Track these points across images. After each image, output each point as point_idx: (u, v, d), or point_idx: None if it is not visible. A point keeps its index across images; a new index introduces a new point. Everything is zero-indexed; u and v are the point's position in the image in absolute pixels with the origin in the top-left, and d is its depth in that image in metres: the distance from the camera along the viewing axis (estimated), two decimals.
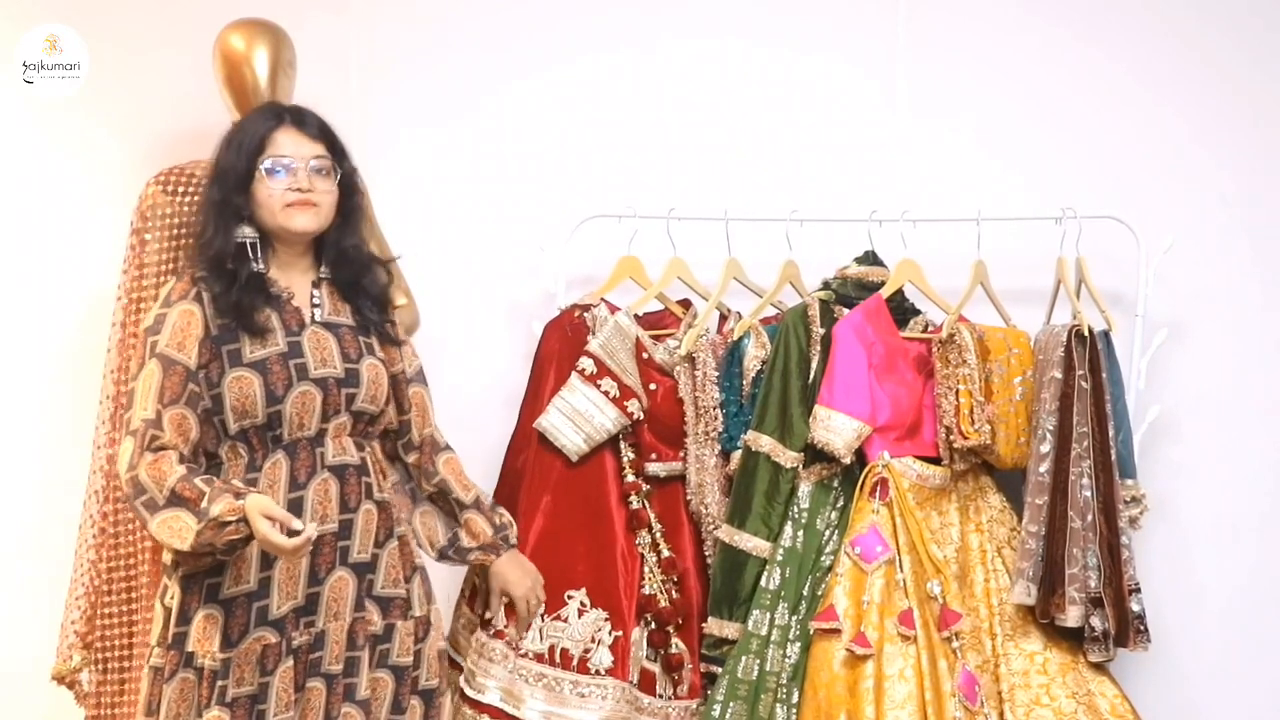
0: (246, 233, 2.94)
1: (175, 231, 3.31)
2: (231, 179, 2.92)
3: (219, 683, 2.83)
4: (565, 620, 3.29)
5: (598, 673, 3.27)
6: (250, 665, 2.85)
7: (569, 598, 3.30)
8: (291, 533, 2.70)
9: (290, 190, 2.91)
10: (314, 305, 2.99)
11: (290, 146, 2.93)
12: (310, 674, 2.89)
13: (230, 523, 2.71)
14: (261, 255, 2.96)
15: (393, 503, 3.05)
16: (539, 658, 3.27)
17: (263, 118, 2.96)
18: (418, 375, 3.14)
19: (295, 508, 2.85)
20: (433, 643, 3.07)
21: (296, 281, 3.00)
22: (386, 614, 2.98)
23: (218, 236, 2.92)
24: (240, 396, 2.87)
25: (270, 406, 2.87)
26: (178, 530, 2.74)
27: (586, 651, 3.28)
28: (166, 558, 2.92)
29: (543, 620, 3.29)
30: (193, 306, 2.90)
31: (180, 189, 3.33)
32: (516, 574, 3.23)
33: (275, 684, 2.85)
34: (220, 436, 2.90)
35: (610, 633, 3.30)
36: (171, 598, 2.90)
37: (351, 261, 3.03)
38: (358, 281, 3.03)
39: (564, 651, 3.28)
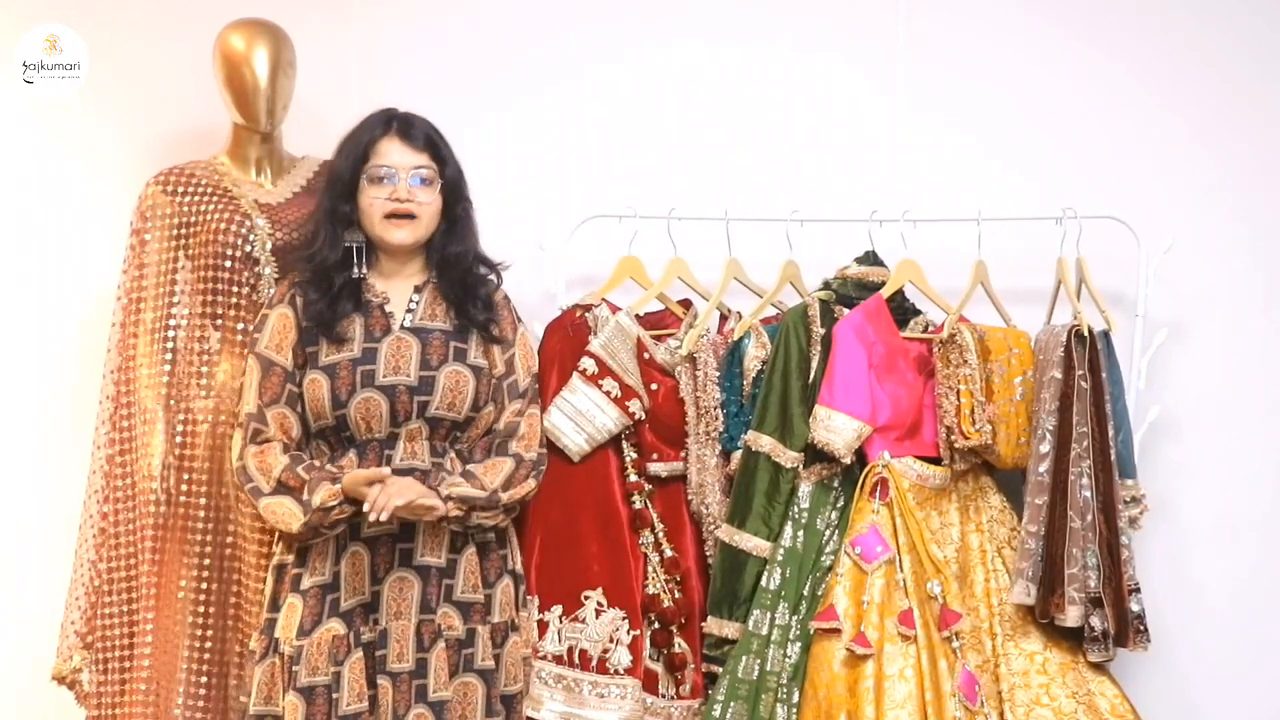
0: (354, 237, 3.05)
1: (175, 231, 3.32)
2: (338, 187, 3.04)
3: (293, 668, 2.95)
4: (583, 621, 3.29)
5: (616, 672, 3.28)
6: (323, 655, 2.95)
7: (585, 598, 3.30)
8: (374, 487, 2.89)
9: (389, 200, 3.01)
10: (408, 310, 3.06)
11: (392, 156, 3.03)
12: (379, 671, 2.96)
13: (333, 507, 2.89)
14: (366, 259, 3.06)
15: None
16: (557, 659, 3.27)
17: (369, 126, 3.06)
18: (525, 393, 3.16)
19: (357, 504, 2.94)
20: (512, 648, 3.11)
21: (398, 286, 3.10)
22: (467, 619, 3.04)
23: (324, 246, 3.04)
24: (312, 398, 3.00)
25: (336, 410, 2.99)
26: (283, 516, 2.93)
27: (605, 651, 3.29)
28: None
29: (561, 622, 3.29)
30: (287, 310, 3.06)
31: (180, 189, 3.33)
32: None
33: (346, 674, 2.94)
34: (309, 433, 3.04)
35: (629, 632, 3.30)
36: (268, 586, 3.06)
37: (455, 266, 3.10)
38: (463, 285, 3.10)
39: (583, 652, 3.28)
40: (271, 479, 2.95)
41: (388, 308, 3.07)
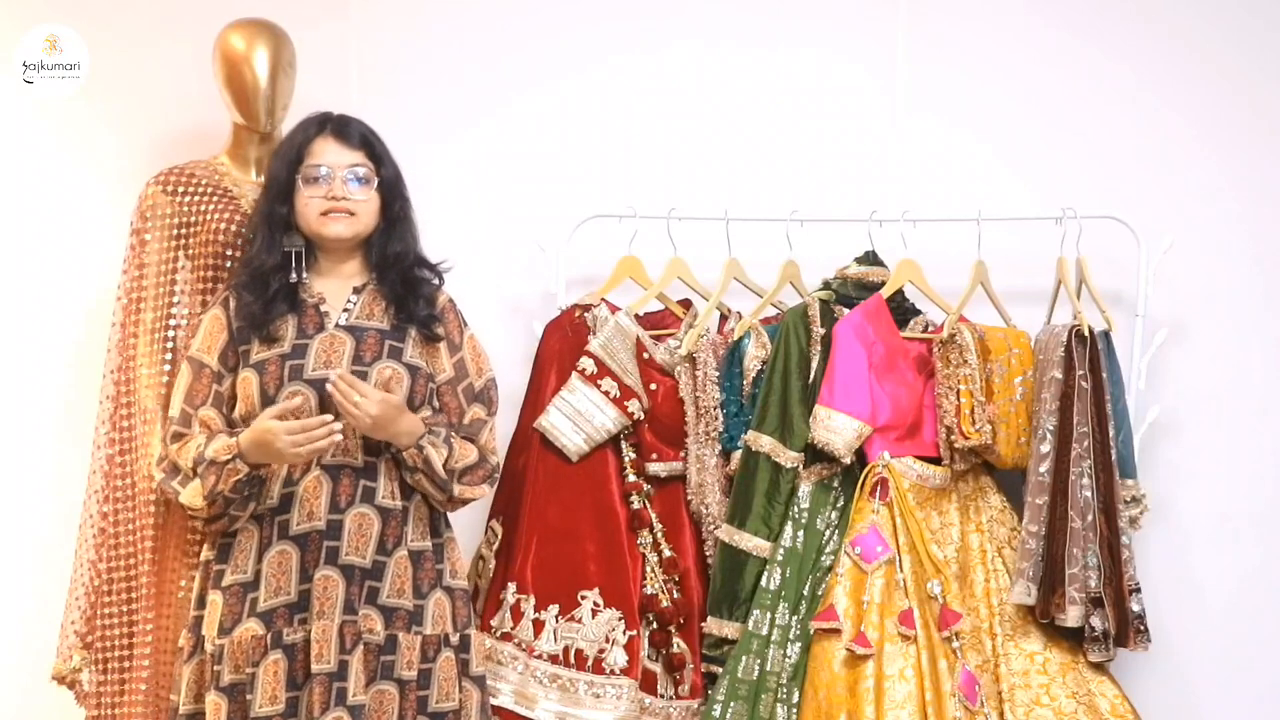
0: (293, 242, 3.03)
1: (175, 231, 3.31)
2: (274, 189, 3.03)
3: (215, 667, 2.94)
4: (580, 621, 3.30)
5: (612, 672, 3.27)
6: (244, 655, 2.92)
7: (582, 598, 3.31)
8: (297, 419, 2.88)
9: (325, 200, 2.99)
10: (344, 310, 3.05)
11: (327, 155, 3.02)
12: (305, 672, 2.92)
13: (228, 461, 2.87)
14: (306, 262, 3.05)
15: (415, 516, 3.03)
16: (553, 659, 3.27)
17: (304, 127, 3.06)
18: (480, 395, 3.13)
19: (288, 501, 2.95)
20: (444, 664, 3.03)
21: (336, 286, 3.08)
22: (389, 624, 2.98)
23: (262, 250, 3.03)
24: (244, 395, 2.97)
25: (265, 405, 2.95)
26: (198, 490, 2.91)
27: (601, 651, 3.29)
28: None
29: (557, 621, 3.30)
30: (219, 312, 3.05)
31: (180, 189, 3.33)
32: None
33: (261, 675, 2.90)
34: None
35: (625, 632, 3.30)
36: (196, 583, 3.04)
37: (394, 266, 3.08)
38: (403, 284, 3.07)
39: (579, 652, 3.28)
40: (190, 460, 2.93)
41: (323, 307, 3.04)
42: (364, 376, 2.97)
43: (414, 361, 3.04)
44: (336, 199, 2.99)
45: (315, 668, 2.90)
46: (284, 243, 3.03)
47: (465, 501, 3.09)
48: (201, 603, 3.01)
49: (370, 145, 3.06)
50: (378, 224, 3.07)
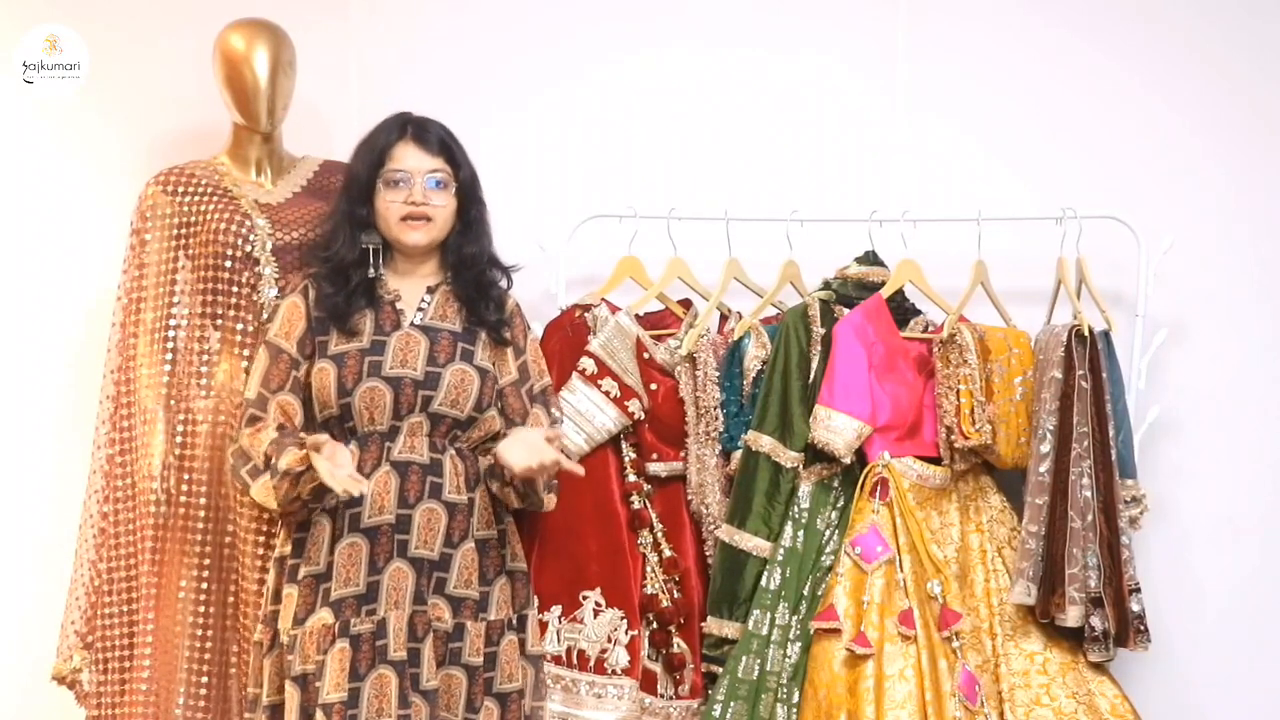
0: (371, 238, 3.11)
1: (175, 231, 3.32)
2: (355, 189, 3.11)
3: (288, 657, 3.00)
4: (582, 621, 3.31)
5: (614, 672, 3.28)
6: (314, 644, 2.98)
7: (584, 598, 3.31)
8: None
9: (405, 204, 3.07)
10: (419, 309, 3.12)
11: (408, 160, 3.09)
12: (379, 661, 2.98)
13: (302, 472, 2.91)
14: (382, 259, 3.13)
15: (479, 507, 3.10)
16: (556, 660, 3.28)
17: (385, 130, 3.12)
18: (539, 397, 3.20)
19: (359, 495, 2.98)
20: (508, 646, 3.12)
21: (411, 285, 3.15)
22: (457, 613, 3.07)
23: (341, 246, 3.10)
24: (319, 387, 3.05)
25: (341, 399, 3.03)
26: (271, 490, 2.96)
27: (603, 652, 3.29)
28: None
29: (560, 622, 3.30)
30: (298, 300, 3.12)
31: (180, 189, 3.33)
32: (513, 449, 3.04)
33: (329, 664, 2.96)
34: (314, 423, 3.07)
35: (627, 632, 3.30)
36: (270, 578, 3.11)
37: (470, 267, 3.16)
38: (477, 285, 3.15)
39: (581, 653, 3.29)
40: (261, 455, 2.99)
41: (399, 304, 3.12)
42: (438, 377, 3.06)
43: (484, 365, 3.12)
44: (416, 203, 3.07)
45: (395, 657, 2.97)
46: (362, 239, 3.10)
47: (545, 502, 3.17)
48: (277, 598, 3.08)
49: (449, 150, 3.13)
50: (454, 226, 3.14)
